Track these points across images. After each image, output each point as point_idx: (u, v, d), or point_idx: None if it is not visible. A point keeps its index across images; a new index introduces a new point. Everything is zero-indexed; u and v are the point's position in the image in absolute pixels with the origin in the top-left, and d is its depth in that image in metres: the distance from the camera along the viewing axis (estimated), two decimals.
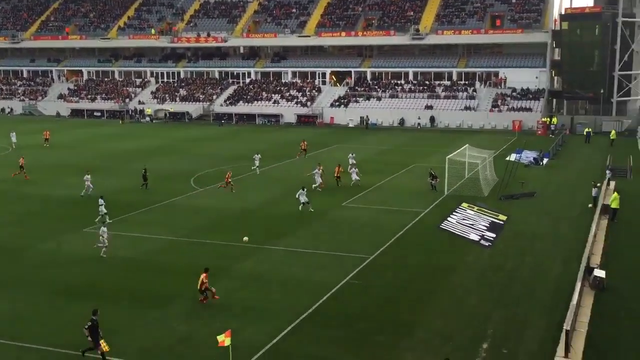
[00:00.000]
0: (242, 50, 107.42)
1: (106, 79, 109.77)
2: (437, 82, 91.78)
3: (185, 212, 38.35)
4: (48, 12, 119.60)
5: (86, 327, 19.58)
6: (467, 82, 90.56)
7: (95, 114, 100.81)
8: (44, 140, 67.13)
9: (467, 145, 46.94)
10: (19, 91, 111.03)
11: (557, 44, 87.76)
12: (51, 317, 23.18)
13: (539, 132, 76.20)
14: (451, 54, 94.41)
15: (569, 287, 24.95)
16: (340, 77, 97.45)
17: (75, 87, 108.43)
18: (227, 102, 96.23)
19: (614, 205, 35.62)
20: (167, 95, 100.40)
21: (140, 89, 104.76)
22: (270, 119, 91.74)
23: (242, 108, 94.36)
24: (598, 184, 40.04)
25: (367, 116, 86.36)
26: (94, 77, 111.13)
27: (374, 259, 29.34)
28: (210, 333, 21.21)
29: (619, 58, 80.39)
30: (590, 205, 38.61)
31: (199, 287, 23.90)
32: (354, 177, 45.15)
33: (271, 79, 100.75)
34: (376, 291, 25.51)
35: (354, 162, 50.22)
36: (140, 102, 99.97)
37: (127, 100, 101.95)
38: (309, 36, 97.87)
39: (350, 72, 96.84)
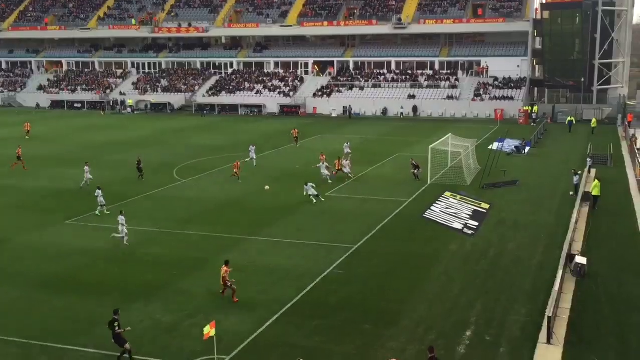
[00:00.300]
0: (224, 41, 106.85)
1: (86, 70, 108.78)
2: (419, 72, 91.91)
3: (168, 204, 38.17)
4: (26, 3, 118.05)
5: (117, 328, 19.14)
6: (449, 72, 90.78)
7: (75, 105, 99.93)
8: (26, 132, 66.45)
9: (449, 134, 47.09)
10: None
11: (539, 33, 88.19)
12: (32, 310, 22.99)
13: (521, 120, 76.61)
14: (433, 44, 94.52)
15: (550, 274, 25.20)
16: (323, 67, 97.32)
17: (55, 78, 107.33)
18: (210, 93, 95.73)
19: (595, 192, 35.94)
20: (148, 86, 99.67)
21: (121, 79, 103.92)
22: (253, 110, 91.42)
23: (224, 99, 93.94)
24: (579, 172, 40.37)
25: (350, 106, 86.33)
26: (74, 68, 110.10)
27: (358, 249, 29.40)
28: (194, 324, 21.20)
29: (600, 47, 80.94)
30: (571, 193, 38.93)
31: (221, 282, 23.55)
32: (346, 170, 44.67)
33: (254, 69, 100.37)
34: (360, 281, 25.57)
35: (349, 151, 50.41)
36: (121, 93, 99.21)
37: (108, 91, 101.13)
38: (291, 26, 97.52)
39: (333, 61, 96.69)
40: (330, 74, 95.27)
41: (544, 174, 46.20)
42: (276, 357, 19.44)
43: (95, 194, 35.91)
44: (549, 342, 19.77)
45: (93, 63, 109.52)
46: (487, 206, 36.86)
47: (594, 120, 69.16)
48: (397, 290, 24.51)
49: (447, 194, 39.12)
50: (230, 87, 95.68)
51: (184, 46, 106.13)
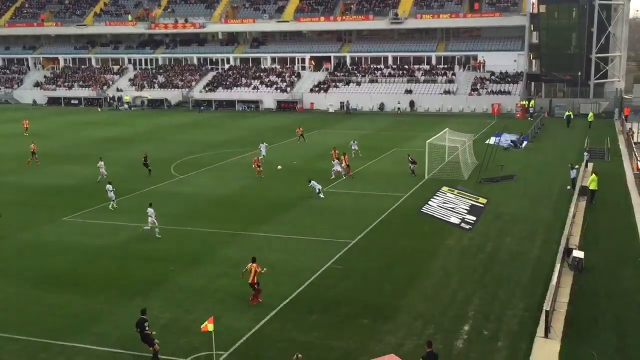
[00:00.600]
0: (220, 36, 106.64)
1: (83, 66, 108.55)
2: (416, 67, 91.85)
3: (166, 200, 38.13)
4: None
5: (146, 329, 18.94)
6: (446, 66, 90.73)
7: (72, 101, 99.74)
8: (24, 130, 66.30)
9: (446, 129, 47.13)
10: None
11: (535, 27, 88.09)
12: (31, 307, 22.99)
13: (518, 115, 76.65)
14: (430, 38, 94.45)
15: (548, 268, 25.27)
16: (318, 63, 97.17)
17: (52, 75, 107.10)
18: (206, 89, 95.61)
19: (592, 186, 36.00)
20: (145, 82, 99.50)
21: (118, 76, 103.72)
22: (250, 105, 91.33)
23: (221, 94, 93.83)
24: (576, 166, 40.43)
25: (347, 101, 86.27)
26: (71, 65, 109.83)
27: (356, 244, 29.44)
28: (192, 320, 21.21)
29: (596, 41, 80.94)
30: (568, 187, 38.99)
31: (250, 281, 22.54)
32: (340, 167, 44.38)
33: (250, 64, 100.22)
34: (358, 275, 25.61)
35: (357, 148, 50.40)
36: (118, 90, 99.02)
37: (104, 87, 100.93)
38: (288, 21, 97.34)
39: (330, 57, 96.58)
40: (327, 69, 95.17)
41: (541, 168, 46.25)
42: (274, 352, 19.48)
43: (106, 189, 36.29)
44: (546, 336, 19.83)
45: (89, 59, 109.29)
46: (484, 201, 36.91)
47: (590, 114, 69.15)
48: (395, 285, 24.55)
49: (445, 188, 39.15)
50: (227, 83, 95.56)
51: (180, 42, 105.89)
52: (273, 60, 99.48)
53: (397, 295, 23.50)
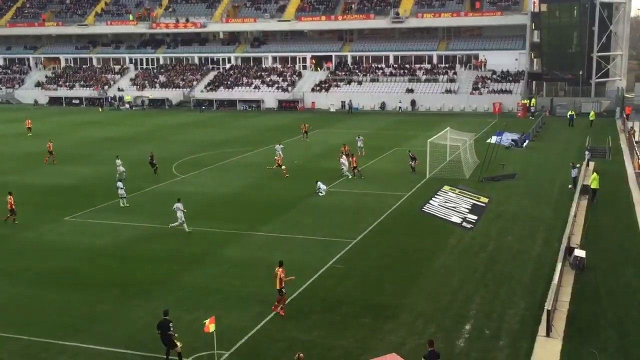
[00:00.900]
0: (221, 36, 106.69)
1: (84, 66, 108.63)
2: (417, 66, 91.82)
3: (168, 199, 38.07)
4: None
5: (171, 330, 18.63)
6: (447, 65, 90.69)
7: (74, 101, 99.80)
8: (27, 129, 66.27)
9: (448, 128, 47.11)
10: None
11: (536, 26, 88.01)
12: (32, 306, 22.99)
13: (519, 114, 76.57)
14: (431, 37, 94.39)
15: (549, 267, 25.25)
16: (318, 62, 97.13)
17: (53, 75, 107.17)
18: (208, 88, 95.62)
19: (594, 185, 35.97)
20: (146, 82, 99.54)
21: (119, 75, 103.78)
22: (251, 105, 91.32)
23: (222, 94, 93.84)
24: (577, 165, 40.39)
25: (350, 100, 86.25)
26: (72, 65, 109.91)
27: (357, 243, 29.42)
28: (194, 320, 21.20)
29: (598, 39, 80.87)
30: (570, 186, 38.96)
31: (277, 287, 21.82)
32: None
33: (251, 64, 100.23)
34: (359, 275, 25.60)
35: (362, 145, 50.38)
36: (119, 89, 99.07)
37: (106, 87, 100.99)
38: (289, 20, 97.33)
39: (331, 56, 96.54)
40: (328, 68, 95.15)
41: (543, 167, 46.22)
42: (276, 351, 19.47)
43: (117, 186, 36.78)
44: (548, 335, 19.82)
45: (91, 59, 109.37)
46: (485, 200, 36.88)
47: (592, 113, 69.09)
48: (396, 284, 24.54)
49: (446, 187, 39.14)
50: (228, 83, 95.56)
51: (181, 41, 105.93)
52: (274, 59, 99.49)
53: (398, 295, 23.49)
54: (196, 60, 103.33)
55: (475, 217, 33.37)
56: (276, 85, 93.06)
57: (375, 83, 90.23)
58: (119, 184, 36.93)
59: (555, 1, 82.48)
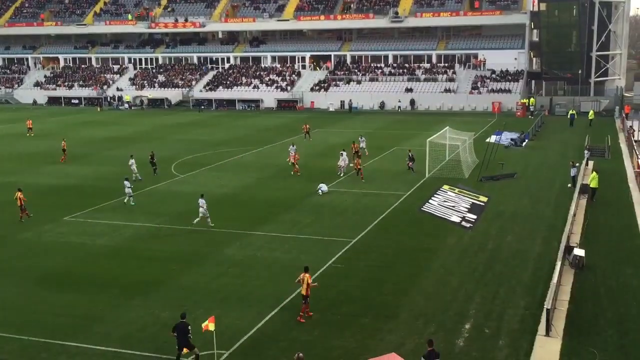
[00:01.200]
0: (220, 35, 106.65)
1: (83, 66, 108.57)
2: (416, 65, 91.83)
3: (167, 199, 38.19)
4: None
5: (190, 333, 18.47)
6: (446, 65, 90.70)
7: (73, 101, 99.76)
8: (28, 130, 66.20)
9: (447, 127, 47.11)
10: None
11: (536, 25, 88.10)
12: (32, 307, 22.98)
13: (518, 113, 76.60)
14: (430, 37, 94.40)
15: (549, 266, 25.27)
16: (319, 61, 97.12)
17: (52, 75, 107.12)
18: (207, 88, 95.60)
19: (593, 184, 35.98)
20: (145, 82, 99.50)
21: (118, 75, 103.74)
22: (250, 104, 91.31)
23: (221, 94, 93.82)
24: (577, 164, 40.41)
25: (350, 100, 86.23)
26: (71, 64, 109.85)
27: (357, 243, 29.43)
28: (193, 319, 21.16)
29: (597, 38, 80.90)
30: (569, 185, 38.98)
31: (304, 293, 21.40)
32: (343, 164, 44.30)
33: (250, 63, 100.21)
34: (359, 274, 25.60)
35: (364, 146, 50.42)
36: (118, 89, 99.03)
37: (105, 87, 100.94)
38: (288, 20, 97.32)
39: (330, 56, 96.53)
40: (327, 68, 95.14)
41: (542, 166, 46.24)
42: (276, 351, 19.47)
43: (124, 184, 36.80)
44: (547, 334, 19.83)
45: (90, 59, 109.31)
46: (485, 199, 36.89)
47: (591, 112, 69.10)
48: (396, 283, 24.55)
49: (445, 187, 39.15)
50: (228, 82, 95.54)
51: (180, 41, 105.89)
52: (273, 59, 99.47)
53: (398, 294, 23.50)
54: (195, 60, 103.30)
55: (475, 217, 33.38)
56: (275, 85, 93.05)
57: (374, 82, 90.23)
58: (126, 182, 36.92)
59: (555, 0, 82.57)
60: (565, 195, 36.95)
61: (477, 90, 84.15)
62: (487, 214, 34.07)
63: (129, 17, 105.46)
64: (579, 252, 25.77)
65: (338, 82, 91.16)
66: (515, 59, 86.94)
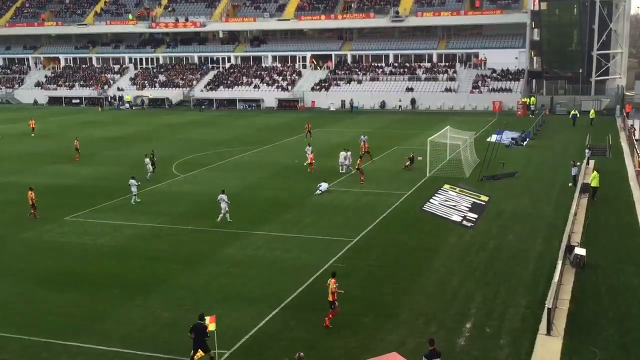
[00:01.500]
0: (221, 35, 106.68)
1: (84, 66, 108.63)
2: (417, 65, 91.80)
3: (167, 199, 38.18)
4: None
5: (208, 335, 18.36)
6: (447, 64, 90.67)
7: (73, 101, 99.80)
8: (31, 130, 66.18)
9: (448, 127, 47.07)
10: None
11: (536, 24, 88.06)
12: (33, 306, 22.98)
13: (519, 112, 76.57)
14: (431, 36, 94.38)
15: (550, 265, 25.25)
16: (322, 61, 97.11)
17: (53, 75, 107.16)
18: (207, 88, 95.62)
19: (594, 183, 35.94)
20: (146, 82, 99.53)
21: (119, 75, 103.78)
22: (251, 104, 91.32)
23: (222, 93, 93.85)
24: (577, 163, 40.38)
25: (351, 100, 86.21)
26: (72, 64, 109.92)
27: (357, 242, 29.41)
28: (194, 319, 21.16)
29: (597, 37, 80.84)
30: (570, 184, 38.95)
31: (330, 299, 21.01)
32: (346, 162, 44.35)
33: (251, 63, 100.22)
34: (360, 274, 25.58)
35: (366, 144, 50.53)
36: (119, 89, 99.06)
37: (105, 87, 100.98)
38: (289, 20, 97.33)
39: (331, 55, 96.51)
40: (328, 67, 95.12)
41: (543, 165, 46.22)
42: (276, 351, 19.46)
43: (130, 183, 36.83)
44: (548, 333, 19.81)
45: (90, 59, 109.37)
46: (486, 198, 36.87)
47: (592, 111, 69.04)
48: (397, 283, 24.53)
49: (446, 186, 39.13)
50: (228, 82, 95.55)
51: (181, 41, 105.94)
52: (274, 58, 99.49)
53: (398, 294, 23.48)
54: (196, 60, 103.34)
55: (476, 216, 33.36)
56: (276, 84, 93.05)
57: (375, 82, 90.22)
58: (132, 181, 36.91)
59: None
60: (566, 194, 36.92)
61: (477, 90, 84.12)
62: (488, 213, 34.05)
63: (130, 17, 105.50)
64: (580, 251, 25.74)
65: (339, 82, 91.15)
66: (516, 58, 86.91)
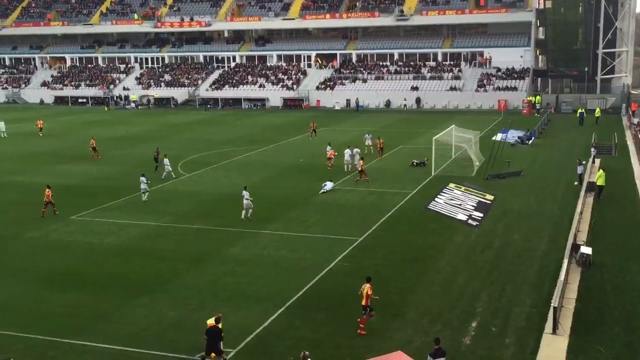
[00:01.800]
0: (226, 34, 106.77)
1: (90, 66, 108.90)
2: (422, 63, 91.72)
3: (173, 198, 38.24)
4: None
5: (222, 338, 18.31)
6: (452, 63, 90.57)
7: (79, 101, 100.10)
8: (39, 130, 66.36)
9: (453, 125, 47.03)
10: (2, 79, 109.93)
11: (542, 22, 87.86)
12: (39, 305, 23.07)
13: (524, 111, 76.45)
14: (436, 35, 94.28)
15: (555, 264, 25.21)
16: (327, 60, 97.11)
17: (59, 74, 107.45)
18: (213, 87, 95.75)
19: (600, 182, 35.85)
20: (151, 81, 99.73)
21: (125, 75, 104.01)
22: (256, 103, 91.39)
23: (227, 92, 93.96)
24: (583, 162, 40.30)
25: (357, 99, 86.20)
26: (78, 64, 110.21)
27: (363, 241, 29.42)
28: (200, 318, 21.22)
29: (603, 36, 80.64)
30: (576, 183, 38.88)
31: (363, 303, 20.61)
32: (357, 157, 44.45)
33: (256, 62, 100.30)
34: (365, 273, 25.43)
35: (370, 143, 50.41)
36: (124, 89, 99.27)
37: (111, 86, 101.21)
38: (293, 19, 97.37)
39: (336, 54, 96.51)
40: (333, 66, 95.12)
41: (548, 164, 46.14)
42: (282, 350, 19.49)
43: (140, 180, 37.10)
44: (554, 332, 19.79)
45: (96, 58, 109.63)
46: (491, 197, 36.83)
47: (597, 109, 68.87)
48: (402, 282, 24.54)
49: (451, 185, 39.10)
50: (233, 81, 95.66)
51: (186, 40, 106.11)
52: (279, 58, 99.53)
53: (404, 293, 23.49)
54: (201, 59, 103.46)
55: (481, 215, 33.33)
56: (281, 83, 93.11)
57: (380, 81, 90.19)
58: (142, 178, 37.14)
59: None
60: (572, 193, 36.85)
61: (483, 88, 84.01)
62: (494, 212, 34.02)
63: (135, 16, 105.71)
64: (586, 250, 25.70)
65: (344, 81, 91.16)
66: (521, 56, 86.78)
